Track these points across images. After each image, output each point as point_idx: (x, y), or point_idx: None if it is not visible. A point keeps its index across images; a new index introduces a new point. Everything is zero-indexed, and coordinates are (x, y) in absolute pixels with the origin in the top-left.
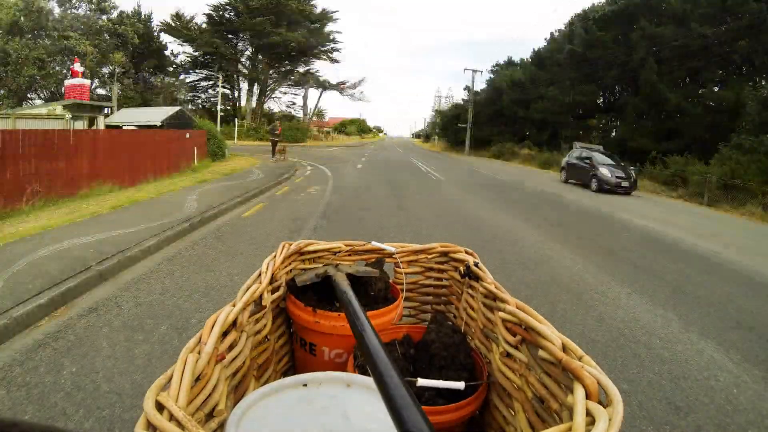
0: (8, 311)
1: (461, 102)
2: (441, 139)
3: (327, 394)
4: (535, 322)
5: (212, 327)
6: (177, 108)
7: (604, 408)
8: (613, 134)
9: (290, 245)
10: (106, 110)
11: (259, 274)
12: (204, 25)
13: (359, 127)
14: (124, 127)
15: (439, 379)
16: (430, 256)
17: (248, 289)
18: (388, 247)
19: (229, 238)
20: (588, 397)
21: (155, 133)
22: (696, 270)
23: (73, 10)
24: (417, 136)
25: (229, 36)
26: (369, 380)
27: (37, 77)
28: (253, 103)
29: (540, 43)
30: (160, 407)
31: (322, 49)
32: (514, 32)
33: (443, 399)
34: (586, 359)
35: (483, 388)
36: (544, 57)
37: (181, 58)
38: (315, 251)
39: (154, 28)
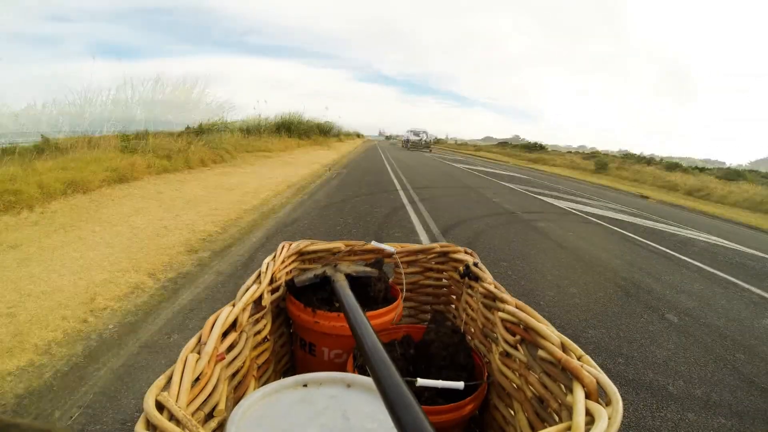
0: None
1: None
2: None
3: (327, 394)
4: (535, 322)
5: (212, 327)
6: None
7: (604, 407)
8: None
9: (290, 245)
10: None
11: (259, 275)
12: None
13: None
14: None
15: (438, 379)
16: (429, 257)
17: (248, 289)
18: (388, 247)
19: None
20: (587, 396)
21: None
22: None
23: None
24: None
25: None
26: (369, 380)
27: None
28: None
29: None
30: (160, 407)
31: None
32: None
33: (443, 399)
34: (586, 359)
35: (483, 387)
36: None
37: None
38: (315, 251)
39: None
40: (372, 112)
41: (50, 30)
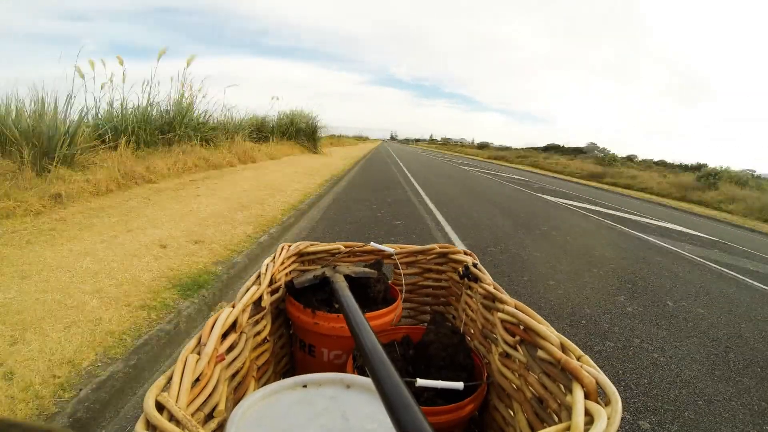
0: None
1: None
2: None
3: (326, 395)
4: (534, 323)
5: (212, 328)
6: None
7: (603, 407)
8: None
9: (289, 246)
10: None
11: (259, 276)
12: None
13: None
14: None
15: (438, 379)
16: (429, 257)
17: (248, 290)
18: (387, 248)
19: None
20: (587, 396)
21: None
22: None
23: None
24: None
25: None
26: (368, 381)
27: None
28: None
29: None
30: (160, 407)
31: None
32: None
33: (442, 399)
34: (585, 359)
35: (482, 388)
36: None
37: None
38: (314, 252)
39: None
40: (385, 115)
41: (66, 29)
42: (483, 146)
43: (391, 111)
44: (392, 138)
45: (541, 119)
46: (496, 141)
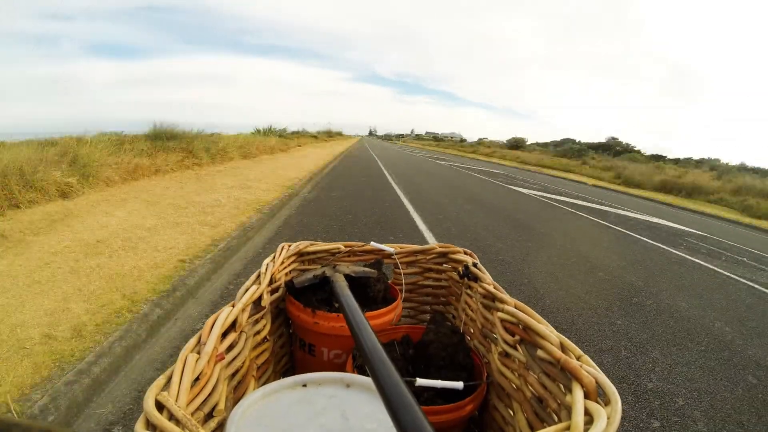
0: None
1: None
2: None
3: (326, 394)
4: (534, 322)
5: (212, 327)
6: None
7: (603, 407)
8: None
9: (289, 246)
10: None
11: (258, 275)
12: None
13: None
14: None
15: (438, 379)
16: (428, 257)
17: (247, 290)
18: (387, 247)
19: None
20: (586, 396)
21: None
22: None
23: None
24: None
25: None
26: (368, 380)
27: None
28: None
29: None
30: (159, 407)
31: None
32: None
33: (442, 399)
34: (585, 359)
35: (482, 388)
36: None
37: None
38: (314, 252)
39: None
40: (368, 111)
41: (49, 29)
42: (517, 145)
43: (375, 108)
44: (370, 134)
45: (539, 118)
46: (492, 139)
